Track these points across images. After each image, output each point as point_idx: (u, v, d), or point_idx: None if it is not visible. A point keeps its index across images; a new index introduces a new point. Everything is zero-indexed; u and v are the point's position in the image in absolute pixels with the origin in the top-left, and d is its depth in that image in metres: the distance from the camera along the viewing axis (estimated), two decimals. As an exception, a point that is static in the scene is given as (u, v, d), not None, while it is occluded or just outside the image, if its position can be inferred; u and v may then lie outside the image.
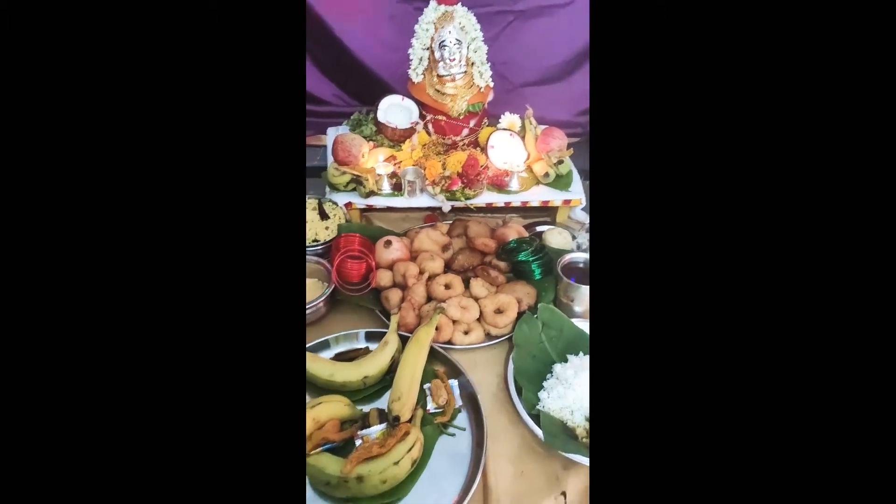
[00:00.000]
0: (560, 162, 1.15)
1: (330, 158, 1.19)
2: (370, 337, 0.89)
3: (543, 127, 1.19)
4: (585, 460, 0.70)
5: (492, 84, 1.20)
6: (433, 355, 0.85)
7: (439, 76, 1.15)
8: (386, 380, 0.82)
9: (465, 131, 1.21)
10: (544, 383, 0.80)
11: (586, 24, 1.39)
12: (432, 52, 1.14)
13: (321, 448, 0.70)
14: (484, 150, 1.17)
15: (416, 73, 1.17)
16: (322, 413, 0.73)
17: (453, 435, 0.76)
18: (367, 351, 0.86)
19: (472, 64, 1.16)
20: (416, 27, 1.13)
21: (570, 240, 1.11)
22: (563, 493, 0.69)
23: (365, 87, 1.45)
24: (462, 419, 0.78)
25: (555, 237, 1.10)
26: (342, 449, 0.71)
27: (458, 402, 0.79)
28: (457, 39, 1.11)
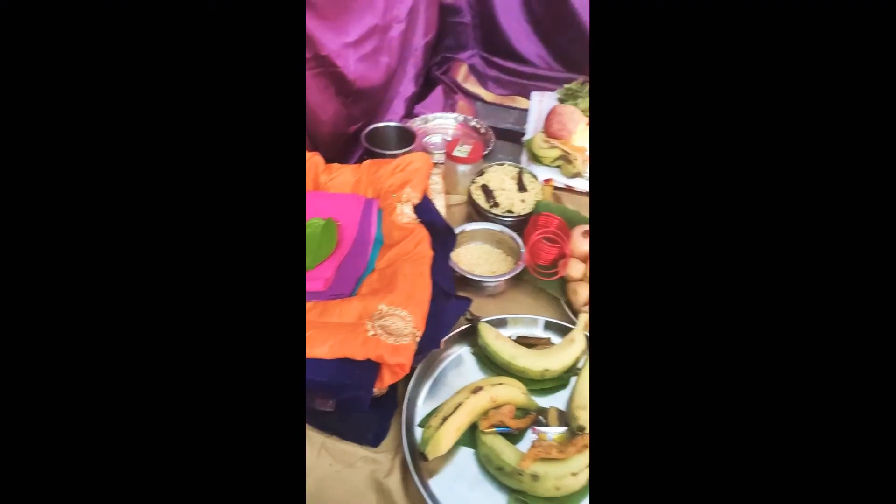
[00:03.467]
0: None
1: (532, 125, 1.13)
2: (549, 327, 0.85)
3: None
4: None
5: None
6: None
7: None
8: (563, 378, 0.77)
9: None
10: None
11: None
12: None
13: (496, 430, 0.69)
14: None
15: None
16: (501, 394, 0.71)
17: (629, 462, 0.70)
18: (548, 342, 0.82)
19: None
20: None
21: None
22: None
23: (581, 54, 1.34)
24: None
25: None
26: (513, 437, 0.70)
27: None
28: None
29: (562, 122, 1.03)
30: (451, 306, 0.78)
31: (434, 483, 0.66)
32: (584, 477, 0.64)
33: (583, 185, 1.03)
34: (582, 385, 0.73)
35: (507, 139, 1.24)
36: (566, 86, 1.17)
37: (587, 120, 1.07)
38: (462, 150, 1.02)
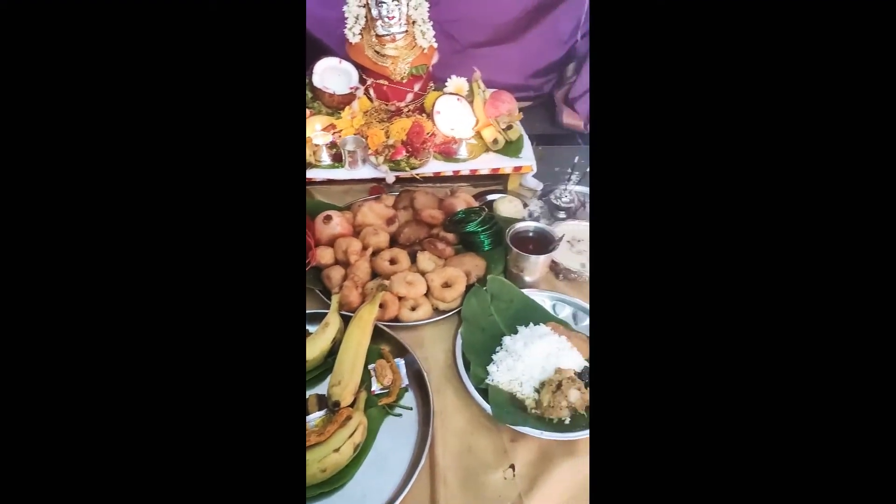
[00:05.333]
0: (509, 127, 1.10)
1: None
2: (311, 319, 0.85)
3: (492, 90, 1.14)
4: (534, 432, 0.69)
5: (435, 45, 1.13)
6: (378, 334, 0.81)
7: (378, 36, 1.07)
8: (328, 362, 0.77)
9: (410, 96, 1.14)
10: (493, 356, 0.79)
11: (535, -19, 1.33)
12: (369, 10, 1.05)
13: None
14: (430, 116, 1.11)
15: (352, 34, 1.08)
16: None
17: (400, 415, 0.73)
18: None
19: (414, 23, 1.08)
20: (350, -19, 1.04)
21: (521, 208, 1.08)
22: (512, 466, 0.68)
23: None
24: (409, 398, 0.76)
25: (506, 206, 1.07)
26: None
27: (405, 381, 0.76)
28: (395, -5, 1.03)
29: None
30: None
31: None
32: (347, 450, 0.64)
33: (322, 174, 1.04)
34: (338, 362, 0.74)
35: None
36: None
37: (308, 111, 1.08)
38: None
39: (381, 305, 0.83)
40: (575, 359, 0.77)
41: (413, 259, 0.93)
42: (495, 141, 1.10)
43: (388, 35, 1.06)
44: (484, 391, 0.74)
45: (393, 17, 1.04)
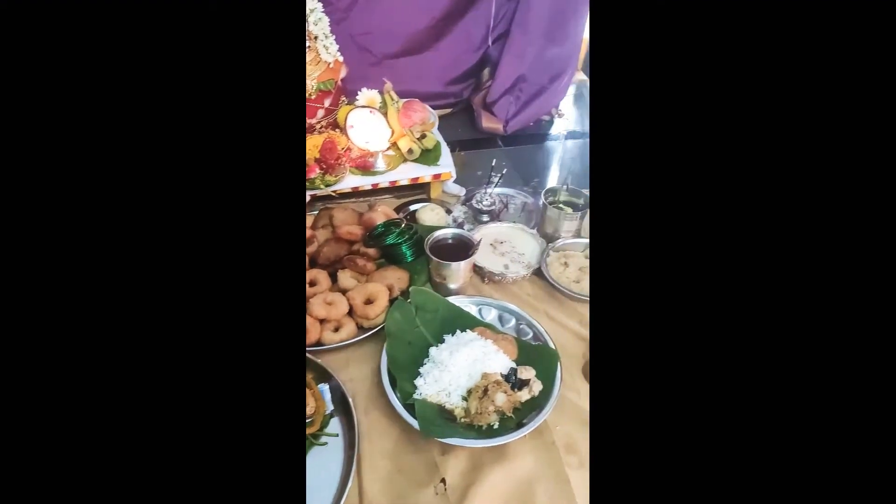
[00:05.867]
0: (424, 136, 1.10)
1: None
2: (228, 353, 0.80)
3: (404, 100, 1.14)
4: (464, 442, 0.68)
5: (341, 59, 1.11)
6: (299, 362, 0.78)
7: (280, 54, 1.04)
8: (246, 398, 0.73)
9: (321, 112, 1.12)
10: (420, 369, 0.77)
11: (440, -10, 1.35)
12: (267, 27, 1.02)
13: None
14: (344, 130, 1.09)
15: (252, 52, 1.04)
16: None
17: (325, 444, 0.70)
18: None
19: (316, 38, 1.06)
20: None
21: (444, 215, 1.08)
22: (443, 480, 0.67)
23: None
24: (335, 424, 0.73)
25: (428, 214, 1.07)
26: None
27: (330, 408, 0.74)
28: (292, 11, 1.00)
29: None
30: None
31: None
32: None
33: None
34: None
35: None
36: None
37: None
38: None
39: (300, 331, 0.80)
40: (501, 361, 0.77)
41: (334, 279, 0.90)
42: (410, 151, 1.09)
43: (290, 52, 1.03)
44: (411, 406, 0.73)
45: (293, 34, 1.01)
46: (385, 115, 1.11)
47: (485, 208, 1.10)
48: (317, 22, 1.04)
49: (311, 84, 1.07)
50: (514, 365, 0.77)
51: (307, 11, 1.02)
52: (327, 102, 1.12)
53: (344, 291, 0.87)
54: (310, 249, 0.94)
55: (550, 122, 1.56)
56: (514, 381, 0.75)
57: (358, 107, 1.10)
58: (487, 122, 1.45)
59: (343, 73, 1.13)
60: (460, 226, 1.07)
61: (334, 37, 1.08)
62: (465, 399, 0.74)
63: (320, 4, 1.05)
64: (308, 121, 1.11)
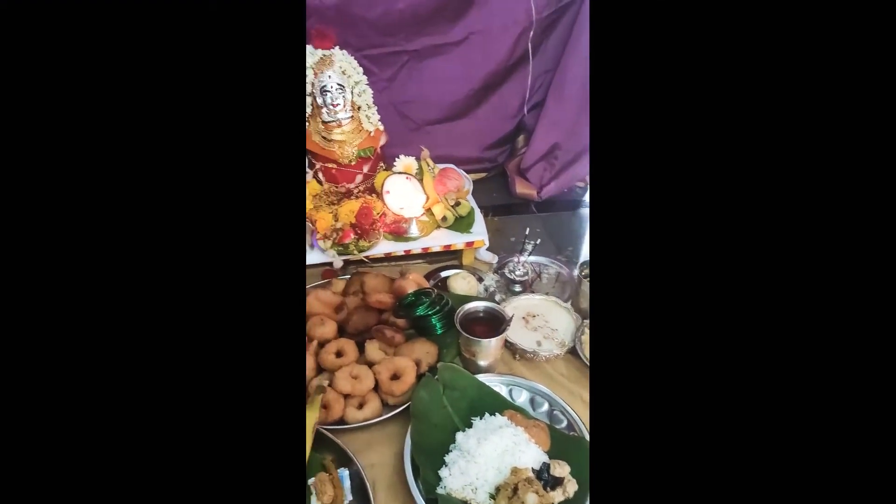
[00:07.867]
0: (458, 203, 1.10)
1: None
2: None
3: (441, 167, 1.15)
4: (489, 547, 0.62)
5: (381, 127, 1.15)
6: (320, 441, 0.74)
7: (324, 123, 1.08)
8: (263, 479, 0.70)
9: (359, 177, 1.14)
10: (446, 458, 0.72)
11: (481, 61, 1.39)
12: (314, 98, 1.07)
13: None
14: (380, 195, 1.10)
15: (298, 121, 1.09)
16: None
17: (341, 538, 0.66)
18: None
19: (359, 108, 1.10)
20: (294, 73, 1.06)
21: (476, 284, 1.06)
22: (466, 592, 0.61)
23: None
24: (353, 515, 0.68)
25: (459, 283, 1.05)
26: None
27: (348, 497, 0.69)
28: (338, 84, 1.05)
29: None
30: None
31: None
32: None
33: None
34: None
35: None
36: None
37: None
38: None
39: (324, 406, 0.77)
40: (533, 454, 0.72)
41: (361, 349, 0.88)
42: (444, 218, 1.09)
43: (333, 121, 1.07)
44: (434, 501, 0.68)
45: (338, 105, 1.06)
46: (421, 181, 1.12)
47: (517, 278, 1.07)
48: (361, 93, 1.08)
49: (352, 151, 1.10)
50: (546, 459, 0.72)
51: (353, 83, 1.07)
52: (366, 168, 1.14)
53: (370, 364, 0.85)
54: (339, 317, 0.93)
55: (585, 190, 1.55)
56: (546, 479, 0.69)
57: (395, 173, 1.12)
58: (521, 188, 1.45)
59: (383, 140, 1.16)
60: (492, 295, 1.04)
61: (376, 107, 1.12)
62: (492, 497, 0.68)
63: (365, 77, 1.09)
64: (346, 185, 1.14)
